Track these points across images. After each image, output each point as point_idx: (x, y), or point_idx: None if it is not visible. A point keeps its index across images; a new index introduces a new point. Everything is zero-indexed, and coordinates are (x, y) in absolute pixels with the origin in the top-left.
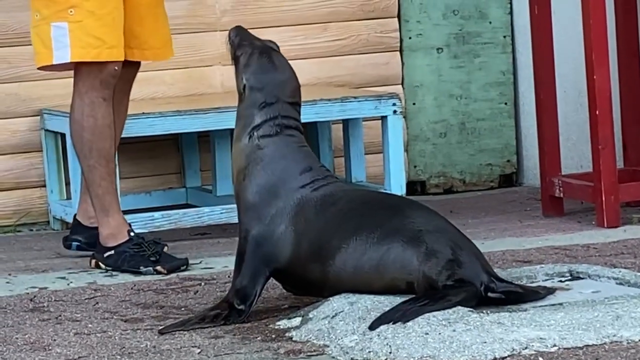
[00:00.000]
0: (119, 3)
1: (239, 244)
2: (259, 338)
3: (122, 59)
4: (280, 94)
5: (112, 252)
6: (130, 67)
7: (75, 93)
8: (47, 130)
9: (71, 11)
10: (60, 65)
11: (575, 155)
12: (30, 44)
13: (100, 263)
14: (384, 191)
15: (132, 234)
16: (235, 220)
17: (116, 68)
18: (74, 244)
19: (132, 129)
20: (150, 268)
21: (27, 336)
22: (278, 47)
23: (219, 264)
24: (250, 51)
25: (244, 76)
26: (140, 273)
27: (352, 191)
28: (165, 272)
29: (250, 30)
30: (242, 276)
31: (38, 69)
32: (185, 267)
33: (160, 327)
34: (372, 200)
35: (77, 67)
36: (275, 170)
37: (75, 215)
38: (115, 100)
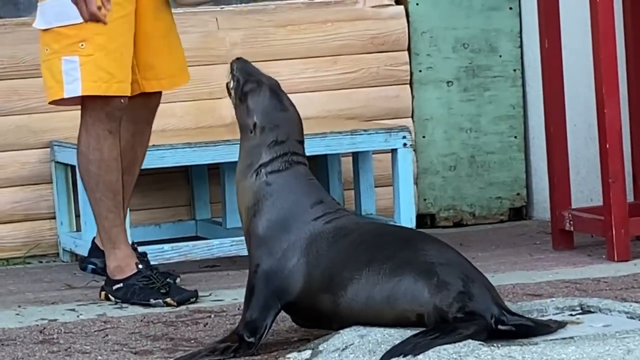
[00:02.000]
0: (127, 40)
1: (249, 277)
2: None
3: (129, 94)
4: (290, 132)
5: (121, 284)
6: (152, 97)
7: (82, 126)
8: (57, 162)
9: (82, 45)
10: (70, 100)
11: (586, 189)
12: (40, 77)
13: (109, 295)
14: (396, 224)
15: (140, 266)
16: (245, 252)
17: (122, 101)
18: (90, 266)
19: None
20: (160, 300)
21: None
22: (279, 84)
23: (228, 297)
24: (259, 89)
25: (255, 115)
26: (150, 305)
27: (364, 224)
28: (175, 304)
29: (260, 64)
30: (252, 309)
31: (49, 103)
32: (194, 299)
33: None
34: (385, 233)
35: (84, 100)
36: (285, 204)
37: (94, 239)
38: (137, 130)
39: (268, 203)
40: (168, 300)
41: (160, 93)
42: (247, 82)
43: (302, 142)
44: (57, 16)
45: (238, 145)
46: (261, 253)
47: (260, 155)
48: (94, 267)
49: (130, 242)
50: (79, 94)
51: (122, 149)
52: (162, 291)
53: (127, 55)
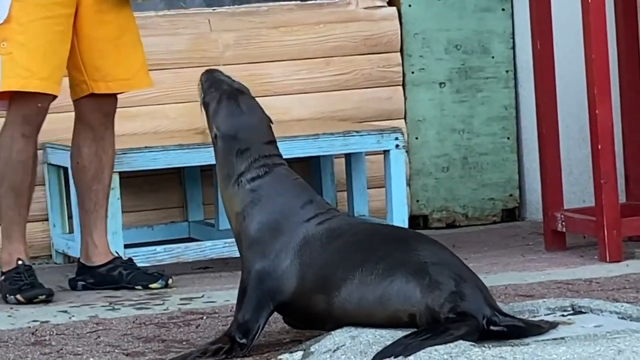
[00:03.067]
0: (52, 40)
1: (242, 278)
2: None
3: (55, 93)
4: (253, 137)
5: (3, 277)
6: (105, 101)
7: (3, 123)
8: (49, 164)
9: (4, 44)
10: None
11: (578, 190)
12: None
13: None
14: (390, 224)
15: (19, 262)
16: (237, 254)
17: (40, 105)
18: (80, 283)
19: (135, 162)
20: (13, 297)
21: None
22: (248, 90)
23: (220, 298)
24: (218, 97)
25: (214, 125)
26: (7, 302)
27: (357, 224)
28: (24, 300)
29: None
30: (245, 310)
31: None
32: (44, 296)
33: None
34: (378, 233)
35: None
36: (275, 206)
37: (79, 259)
38: (96, 135)
39: (257, 207)
40: (18, 296)
41: (114, 98)
42: (207, 93)
43: (271, 142)
44: None
45: None
46: (254, 254)
47: (234, 166)
48: (84, 283)
49: (116, 253)
50: (0, 90)
51: (87, 156)
52: (15, 287)
53: (50, 55)
